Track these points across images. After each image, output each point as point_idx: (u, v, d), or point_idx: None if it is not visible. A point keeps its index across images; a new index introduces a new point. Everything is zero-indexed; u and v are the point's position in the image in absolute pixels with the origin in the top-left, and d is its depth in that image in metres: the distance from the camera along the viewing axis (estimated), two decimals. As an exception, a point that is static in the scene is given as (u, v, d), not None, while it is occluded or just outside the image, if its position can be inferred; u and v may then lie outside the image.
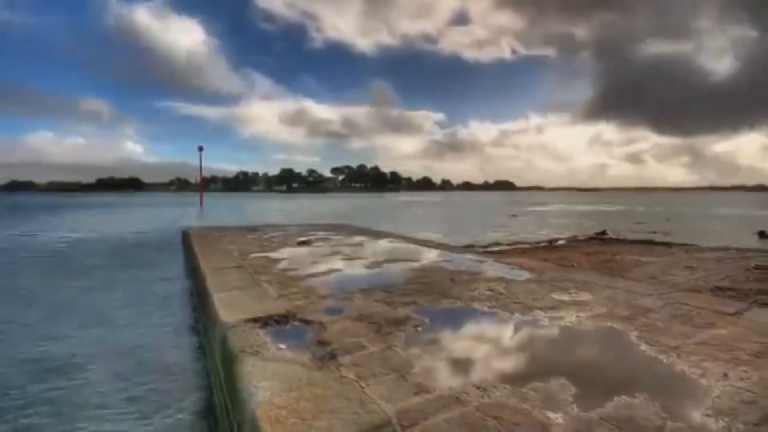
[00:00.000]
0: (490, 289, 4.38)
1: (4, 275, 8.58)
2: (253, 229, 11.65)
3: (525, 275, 5.16)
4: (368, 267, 5.73)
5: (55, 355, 4.17)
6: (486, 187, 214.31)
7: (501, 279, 4.93)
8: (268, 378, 2.26)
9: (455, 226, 20.23)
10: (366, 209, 36.15)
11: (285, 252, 7.13)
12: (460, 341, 2.95)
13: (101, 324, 5.18)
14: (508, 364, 2.55)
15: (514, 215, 28.03)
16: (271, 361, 2.50)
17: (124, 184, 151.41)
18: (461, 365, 2.51)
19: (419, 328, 3.14)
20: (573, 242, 12.72)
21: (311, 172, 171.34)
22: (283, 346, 2.74)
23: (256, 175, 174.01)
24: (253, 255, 6.79)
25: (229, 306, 3.69)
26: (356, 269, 5.57)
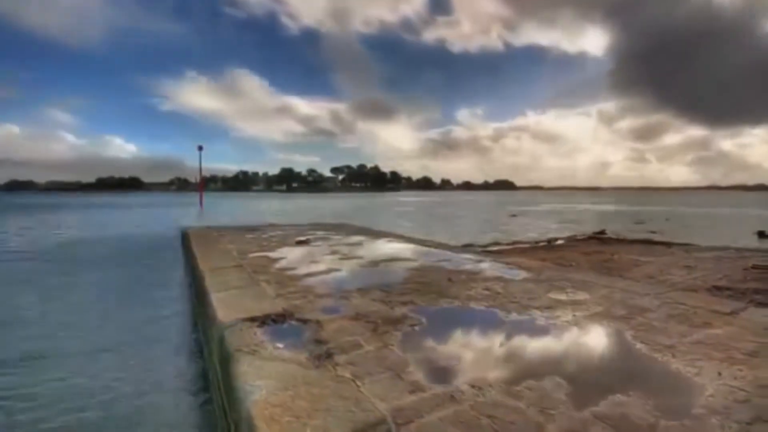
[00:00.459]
0: (488, 289, 4.40)
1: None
2: (252, 228, 11.67)
3: (523, 275, 5.18)
4: (366, 266, 5.74)
5: (46, 352, 4.18)
6: (486, 186, 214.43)
7: (499, 278, 4.95)
8: (264, 377, 2.28)
9: (452, 228, 20.22)
10: (364, 209, 36.14)
11: (284, 251, 7.14)
12: (456, 340, 2.96)
13: (100, 322, 5.20)
14: (504, 363, 2.56)
15: (514, 215, 28.05)
16: (267, 360, 2.51)
17: (124, 184, 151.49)
18: (457, 364, 2.52)
19: (416, 328, 3.15)
20: (572, 242, 12.73)
21: (311, 171, 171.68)
22: (280, 345, 2.76)
23: (256, 174, 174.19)
24: (252, 254, 6.80)
25: (227, 305, 3.70)
26: (354, 269, 5.58)
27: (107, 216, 28.83)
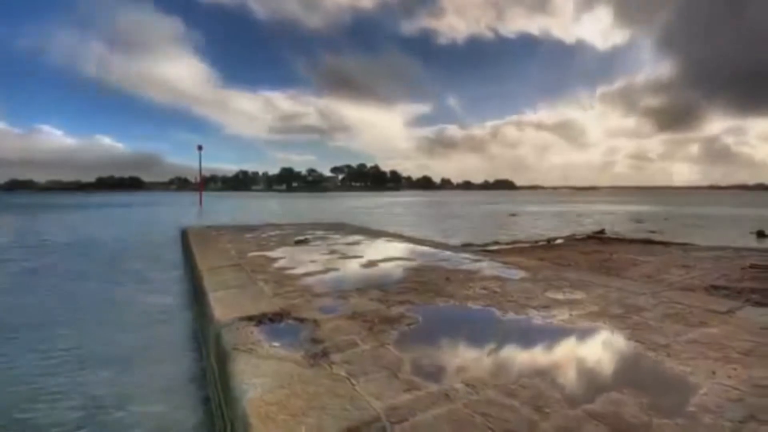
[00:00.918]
0: (485, 288, 4.41)
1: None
2: (251, 228, 11.68)
3: (520, 274, 5.19)
4: (364, 266, 5.75)
5: (47, 352, 4.19)
6: (486, 186, 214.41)
7: (496, 278, 4.96)
8: (260, 375, 2.29)
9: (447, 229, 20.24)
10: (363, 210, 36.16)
11: (282, 251, 7.15)
12: (452, 339, 2.96)
13: (100, 321, 5.21)
14: (499, 361, 2.57)
15: (513, 214, 28.07)
16: (264, 359, 2.52)
17: (125, 183, 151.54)
18: (452, 363, 2.53)
19: (412, 327, 3.16)
20: (571, 241, 12.74)
21: (311, 171, 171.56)
22: (276, 343, 2.77)
23: (255, 174, 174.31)
24: (250, 254, 6.81)
25: (225, 304, 3.72)
26: (352, 268, 5.59)
27: (107, 216, 28.85)
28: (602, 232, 14.81)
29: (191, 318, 5.19)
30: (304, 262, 6.03)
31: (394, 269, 5.51)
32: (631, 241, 12.39)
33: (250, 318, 3.28)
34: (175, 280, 7.50)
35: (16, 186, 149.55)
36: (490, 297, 4.06)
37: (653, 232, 15.71)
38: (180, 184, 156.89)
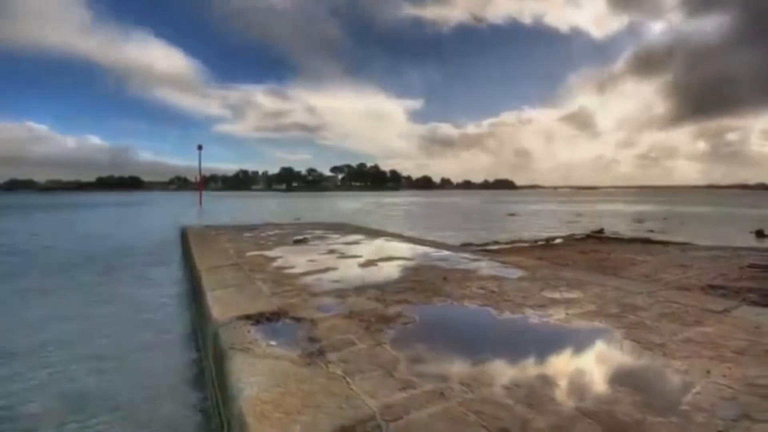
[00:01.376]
0: (482, 287, 4.42)
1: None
2: (250, 227, 11.69)
3: (518, 273, 5.20)
4: (363, 265, 5.76)
5: (47, 353, 4.20)
6: (486, 185, 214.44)
7: (494, 277, 4.97)
8: (256, 374, 2.30)
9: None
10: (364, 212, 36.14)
11: (281, 251, 7.16)
12: (448, 338, 2.98)
13: (99, 320, 5.22)
14: (494, 360, 2.58)
15: (512, 214, 28.08)
16: (260, 358, 2.53)
17: (124, 183, 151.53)
18: (447, 362, 2.54)
19: (409, 326, 3.18)
20: (570, 241, 12.75)
21: (311, 170, 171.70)
22: (273, 343, 2.78)
23: (255, 173, 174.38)
24: (249, 253, 6.82)
25: (223, 304, 3.73)
26: (351, 268, 5.60)
27: (107, 215, 28.85)
28: (601, 231, 14.82)
29: (190, 317, 5.21)
30: (303, 261, 6.04)
31: (393, 269, 5.52)
32: (630, 240, 12.41)
33: (247, 317, 3.30)
34: (175, 280, 7.51)
35: (16, 186, 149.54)
36: (487, 296, 4.07)
37: (652, 231, 15.73)
38: (180, 183, 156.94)
